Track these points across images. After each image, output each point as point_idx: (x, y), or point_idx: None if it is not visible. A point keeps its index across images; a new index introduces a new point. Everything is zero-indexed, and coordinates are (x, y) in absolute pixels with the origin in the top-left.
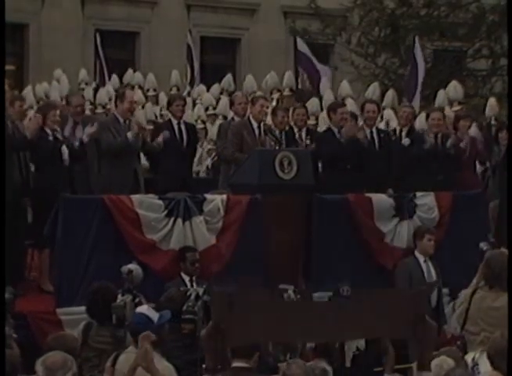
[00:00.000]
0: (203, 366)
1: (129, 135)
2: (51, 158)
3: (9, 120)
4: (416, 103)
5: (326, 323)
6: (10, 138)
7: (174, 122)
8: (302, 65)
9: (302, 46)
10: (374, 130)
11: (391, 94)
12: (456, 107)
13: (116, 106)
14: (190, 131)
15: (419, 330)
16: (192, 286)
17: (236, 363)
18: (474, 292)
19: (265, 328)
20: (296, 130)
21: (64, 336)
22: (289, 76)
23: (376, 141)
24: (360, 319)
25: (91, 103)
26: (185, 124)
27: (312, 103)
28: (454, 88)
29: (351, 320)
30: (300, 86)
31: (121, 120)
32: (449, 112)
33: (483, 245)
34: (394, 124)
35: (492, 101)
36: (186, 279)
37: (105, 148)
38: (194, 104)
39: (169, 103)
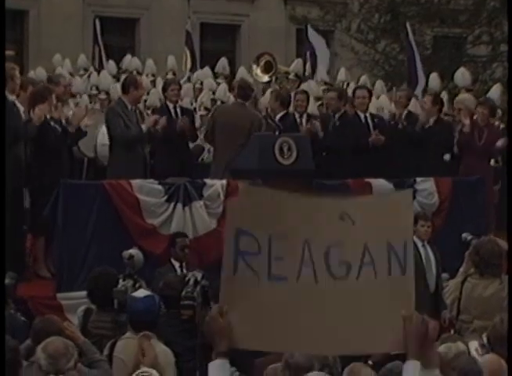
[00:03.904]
0: (214, 350)
1: (143, 127)
2: (56, 149)
3: (24, 106)
4: (420, 88)
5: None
6: (21, 125)
7: (170, 106)
8: (310, 52)
9: (312, 35)
10: (368, 115)
11: (379, 84)
12: (464, 94)
13: (126, 92)
14: (187, 116)
15: (407, 327)
16: (181, 271)
17: None
18: (463, 281)
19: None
20: (297, 116)
21: (51, 318)
22: (297, 62)
23: (371, 126)
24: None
25: (97, 89)
26: (181, 108)
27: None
28: (462, 75)
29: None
30: (307, 73)
31: (129, 106)
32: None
33: (466, 235)
34: (392, 109)
35: (495, 87)
36: (176, 265)
37: (119, 137)
38: (196, 90)
39: (164, 88)
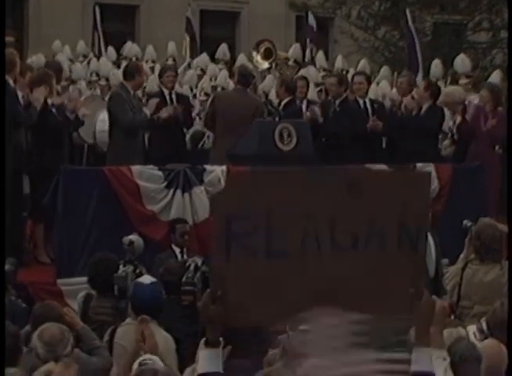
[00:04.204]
0: (203, 339)
1: (147, 112)
2: (57, 134)
3: (23, 92)
4: (420, 75)
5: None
6: (21, 112)
7: (166, 92)
8: (311, 38)
9: (312, 21)
10: (367, 100)
11: (385, 70)
12: (464, 80)
13: (129, 78)
14: (182, 102)
15: (416, 305)
16: (182, 257)
17: None
18: (464, 267)
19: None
20: (297, 102)
21: (51, 304)
22: (295, 48)
23: (370, 112)
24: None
25: (97, 75)
26: (177, 94)
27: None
28: (461, 62)
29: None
30: (306, 59)
31: (132, 92)
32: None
33: (466, 222)
34: (393, 95)
35: (495, 73)
36: (177, 250)
37: (128, 124)
38: (198, 76)
39: (160, 74)
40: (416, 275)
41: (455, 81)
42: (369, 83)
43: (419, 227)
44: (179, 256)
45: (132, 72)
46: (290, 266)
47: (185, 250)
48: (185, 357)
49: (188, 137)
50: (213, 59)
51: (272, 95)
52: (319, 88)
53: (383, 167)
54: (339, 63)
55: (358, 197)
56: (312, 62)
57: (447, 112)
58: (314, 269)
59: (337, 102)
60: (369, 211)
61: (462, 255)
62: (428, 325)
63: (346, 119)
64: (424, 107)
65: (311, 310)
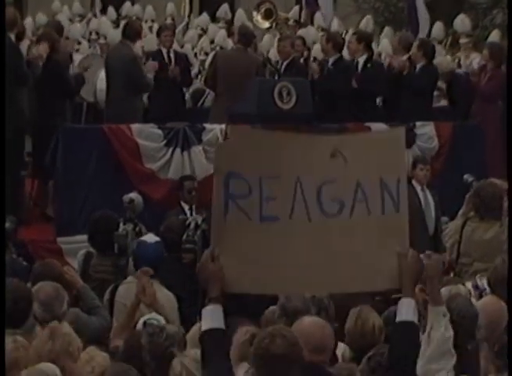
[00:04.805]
0: (206, 296)
1: (150, 75)
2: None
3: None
4: (424, 32)
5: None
6: (25, 69)
7: (164, 51)
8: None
9: None
10: (360, 60)
11: (388, 30)
12: (464, 40)
13: (128, 39)
14: (180, 61)
15: (402, 262)
16: (191, 214)
17: None
18: (463, 224)
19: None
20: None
21: (52, 263)
22: (296, 9)
23: (359, 70)
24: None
25: (96, 34)
26: (175, 53)
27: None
28: (461, 21)
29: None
30: (302, 20)
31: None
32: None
33: (467, 177)
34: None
35: (494, 33)
36: (186, 207)
37: (144, 85)
38: (199, 36)
39: (158, 33)
40: (401, 235)
41: (455, 41)
42: (360, 42)
43: (399, 188)
44: (188, 213)
45: (134, 35)
46: (280, 231)
47: (193, 207)
48: (186, 315)
49: (188, 95)
50: (214, 18)
51: (272, 54)
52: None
53: (382, 126)
54: (335, 26)
55: (340, 164)
56: (311, 22)
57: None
58: (303, 234)
59: (331, 61)
60: (351, 177)
61: (461, 211)
62: (413, 279)
63: (338, 78)
64: (418, 66)
65: (304, 276)
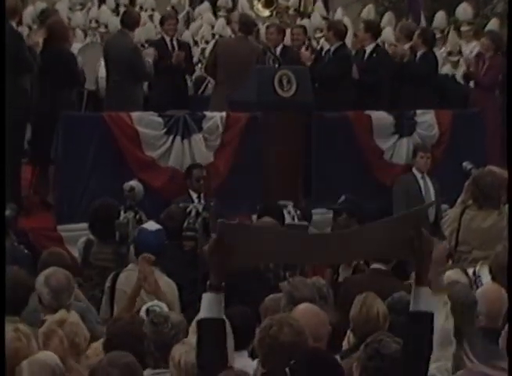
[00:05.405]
0: (208, 282)
1: (150, 61)
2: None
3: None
4: (423, 23)
5: (327, 246)
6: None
7: (167, 39)
8: None
9: None
10: (368, 49)
11: (388, 16)
12: (466, 28)
13: (127, 28)
14: (183, 49)
15: (416, 245)
16: (199, 202)
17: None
18: (462, 212)
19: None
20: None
21: (60, 252)
22: None
23: (363, 58)
24: (360, 242)
25: (96, 22)
26: (178, 41)
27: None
28: (463, 10)
29: (351, 244)
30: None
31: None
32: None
33: (466, 164)
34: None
35: (493, 21)
36: (194, 196)
37: (146, 74)
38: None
39: (161, 22)
40: (416, 217)
41: (457, 29)
42: (367, 32)
43: None
44: (196, 201)
45: (133, 24)
46: None
47: (201, 195)
48: (187, 303)
49: (191, 82)
50: (215, 6)
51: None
52: (321, 34)
53: (382, 114)
54: (338, 15)
55: None
56: (312, 11)
57: None
58: None
59: (332, 49)
60: None
61: (460, 199)
62: (427, 265)
63: (339, 65)
64: (418, 54)
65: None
